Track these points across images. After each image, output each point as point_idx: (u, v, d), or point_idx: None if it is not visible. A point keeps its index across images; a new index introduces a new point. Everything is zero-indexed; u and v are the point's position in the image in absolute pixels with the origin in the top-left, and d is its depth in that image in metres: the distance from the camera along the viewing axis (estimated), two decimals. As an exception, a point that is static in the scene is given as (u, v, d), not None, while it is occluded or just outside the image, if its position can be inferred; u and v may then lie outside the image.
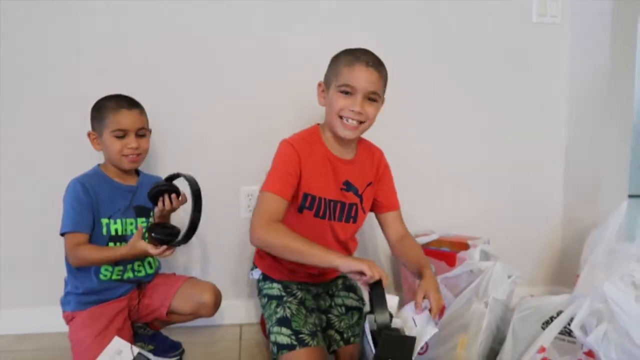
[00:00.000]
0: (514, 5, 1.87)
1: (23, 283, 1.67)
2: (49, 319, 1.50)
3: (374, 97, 1.27)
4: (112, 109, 1.38)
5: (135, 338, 1.43)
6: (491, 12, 1.86)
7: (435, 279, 1.21)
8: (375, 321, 1.04)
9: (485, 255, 1.53)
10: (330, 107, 1.30)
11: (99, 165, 1.46)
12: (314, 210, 1.33)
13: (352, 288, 1.48)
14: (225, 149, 1.73)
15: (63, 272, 1.41)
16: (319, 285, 1.46)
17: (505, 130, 1.92)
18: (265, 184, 1.28)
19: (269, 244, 1.23)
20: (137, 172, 1.51)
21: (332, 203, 1.36)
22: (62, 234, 1.34)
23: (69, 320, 1.38)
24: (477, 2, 1.84)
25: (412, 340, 1.04)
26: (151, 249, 1.30)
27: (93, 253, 1.33)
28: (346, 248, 1.43)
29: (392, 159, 1.78)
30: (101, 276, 1.38)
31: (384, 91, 1.31)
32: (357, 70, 1.24)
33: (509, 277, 1.34)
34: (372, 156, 1.44)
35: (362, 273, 1.10)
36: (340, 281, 1.49)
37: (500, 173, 1.93)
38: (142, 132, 1.43)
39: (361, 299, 1.45)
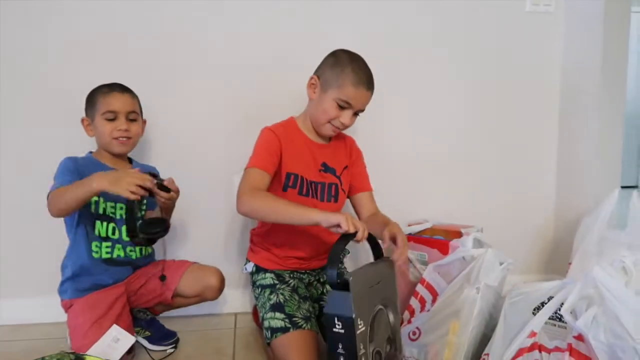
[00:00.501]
0: (508, -6, 1.87)
1: (20, 273, 1.67)
2: (46, 309, 1.50)
3: (360, 112, 1.40)
4: (104, 93, 1.41)
5: (133, 322, 1.44)
6: (485, 1, 1.85)
7: (400, 227, 1.30)
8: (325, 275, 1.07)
9: (479, 243, 1.53)
10: (322, 110, 1.37)
11: (90, 152, 1.46)
12: (297, 189, 1.40)
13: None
14: (217, 140, 1.74)
15: (57, 262, 1.43)
16: (310, 274, 1.48)
17: (498, 119, 1.92)
18: (248, 163, 1.35)
19: (254, 207, 1.26)
20: (130, 161, 1.51)
21: (313, 184, 1.42)
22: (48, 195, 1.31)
23: (67, 308, 1.39)
24: (470, -9, 1.85)
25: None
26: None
27: (62, 190, 1.28)
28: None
29: (385, 148, 1.80)
30: (93, 254, 1.39)
31: None
32: (360, 92, 1.34)
33: (501, 264, 1.35)
34: (344, 142, 1.54)
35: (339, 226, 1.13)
36: (333, 269, 1.50)
37: (493, 162, 1.94)
38: (133, 117, 1.44)
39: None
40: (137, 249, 1.46)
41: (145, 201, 1.39)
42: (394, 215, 1.67)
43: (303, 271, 1.48)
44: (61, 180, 1.31)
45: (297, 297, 1.36)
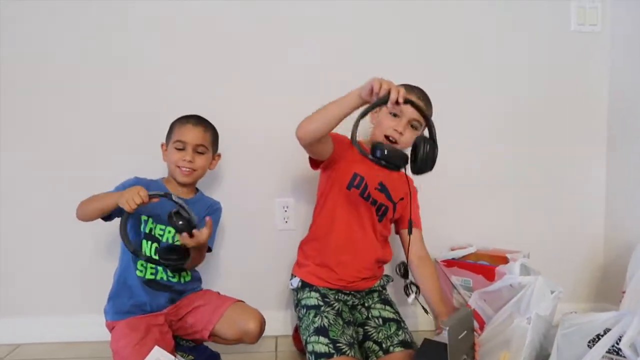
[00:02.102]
0: (551, 13, 1.84)
1: (70, 290, 1.72)
2: (95, 327, 1.53)
3: (415, 125, 1.42)
4: (180, 123, 1.49)
5: (176, 347, 1.45)
6: (528, 20, 1.84)
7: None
8: None
9: (526, 270, 1.49)
10: (379, 125, 1.43)
11: (162, 178, 1.53)
12: (360, 190, 1.44)
13: (387, 302, 1.48)
14: (261, 160, 1.76)
15: (109, 281, 1.46)
16: (355, 295, 1.48)
17: (545, 141, 1.88)
18: None
19: (310, 121, 1.29)
20: (196, 191, 1.56)
21: (371, 195, 1.46)
22: None
23: (110, 329, 1.42)
24: (513, 10, 1.83)
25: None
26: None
27: (94, 196, 1.36)
28: (382, 242, 1.52)
29: (434, 172, 1.75)
30: (137, 272, 1.42)
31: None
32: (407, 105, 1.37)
33: (552, 292, 1.30)
34: (405, 177, 1.44)
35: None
36: (376, 294, 1.50)
37: (538, 185, 1.89)
38: (201, 150, 1.48)
39: (397, 312, 1.44)
40: (178, 275, 1.48)
41: (180, 225, 1.33)
42: (436, 240, 1.68)
43: (348, 292, 1.47)
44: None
45: (341, 322, 1.35)
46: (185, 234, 1.31)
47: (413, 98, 1.25)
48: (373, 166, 1.35)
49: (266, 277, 1.78)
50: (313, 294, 1.44)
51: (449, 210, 1.83)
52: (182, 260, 1.37)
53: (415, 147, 1.26)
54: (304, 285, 1.48)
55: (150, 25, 1.71)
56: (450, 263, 1.67)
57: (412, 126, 1.41)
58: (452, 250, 1.74)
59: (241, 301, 1.48)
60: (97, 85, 1.70)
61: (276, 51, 1.75)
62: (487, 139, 1.86)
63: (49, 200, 1.69)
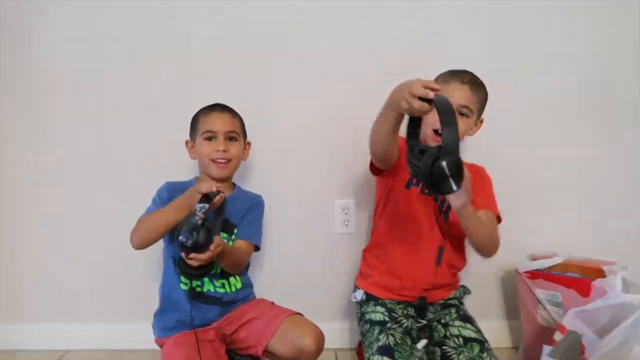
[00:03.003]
0: None
1: (119, 298, 1.64)
2: (143, 334, 1.43)
3: (465, 112, 1.28)
4: (204, 114, 1.37)
5: (230, 362, 1.33)
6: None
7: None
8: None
9: (625, 285, 1.29)
10: (425, 119, 1.21)
11: (196, 177, 1.40)
12: (420, 187, 1.33)
13: (468, 318, 1.31)
14: (321, 160, 1.62)
15: (157, 288, 1.36)
16: (429, 310, 1.34)
17: (629, 140, 1.65)
18: None
19: (372, 133, 1.20)
20: (233, 186, 1.43)
21: None
22: None
23: (159, 345, 1.31)
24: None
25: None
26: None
27: (146, 218, 1.25)
28: (453, 244, 1.36)
29: (509, 174, 1.58)
30: (182, 285, 1.29)
31: (479, 109, 1.32)
32: (451, 85, 1.28)
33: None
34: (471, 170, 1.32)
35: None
36: (453, 310, 1.34)
37: (634, 189, 1.66)
38: (233, 136, 1.36)
39: (479, 331, 1.27)
40: (227, 284, 1.35)
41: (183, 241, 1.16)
42: (512, 246, 1.51)
43: (419, 306, 1.33)
44: (149, 210, 1.29)
45: (409, 342, 1.22)
46: (183, 255, 1.18)
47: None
48: None
49: (325, 285, 1.64)
50: (378, 308, 1.32)
51: (525, 214, 1.63)
52: (201, 273, 1.22)
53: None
54: (369, 298, 1.37)
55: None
56: (534, 275, 1.47)
57: (461, 114, 1.27)
58: (534, 259, 1.53)
59: (298, 313, 1.33)
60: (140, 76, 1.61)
61: (335, 45, 1.60)
62: (575, 141, 1.64)
63: (105, 206, 1.62)
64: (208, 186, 1.17)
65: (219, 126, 1.34)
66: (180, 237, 1.13)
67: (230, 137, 1.35)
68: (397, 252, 1.35)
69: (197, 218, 1.13)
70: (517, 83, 1.61)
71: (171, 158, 1.54)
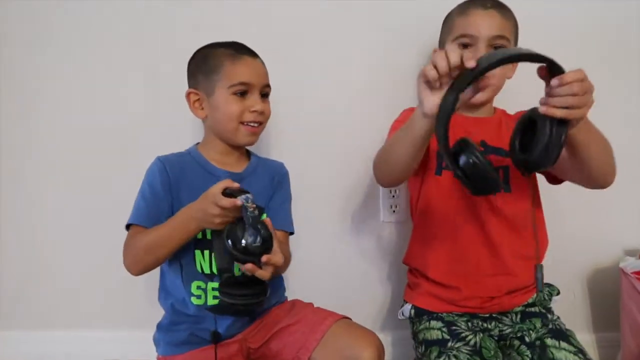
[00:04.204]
0: None
1: (119, 305, 1.39)
2: (141, 344, 1.16)
3: (502, 44, 1.01)
4: (230, 56, 1.00)
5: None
6: None
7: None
8: None
9: None
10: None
11: (196, 144, 1.09)
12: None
13: (561, 333, 0.99)
14: (362, 138, 1.31)
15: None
16: (501, 320, 1.04)
17: None
18: None
19: (380, 153, 0.99)
20: (248, 154, 1.12)
21: None
22: (127, 227, 0.97)
23: None
24: None
25: None
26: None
27: (141, 237, 0.94)
28: (513, 227, 1.04)
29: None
30: (194, 299, 0.99)
31: (515, 38, 1.06)
32: (472, 15, 1.02)
33: None
34: (512, 117, 1.11)
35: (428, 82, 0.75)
36: (538, 322, 1.02)
37: None
38: (267, 91, 1.05)
39: (581, 350, 0.94)
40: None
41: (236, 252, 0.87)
42: (604, 241, 1.27)
43: (488, 315, 1.04)
44: (140, 214, 0.96)
45: None
46: (250, 266, 0.85)
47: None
48: (466, 125, 1.05)
49: (369, 285, 1.36)
50: (434, 323, 1.04)
51: (617, 204, 1.31)
52: (256, 295, 0.89)
53: (528, 127, 0.79)
54: (420, 313, 1.08)
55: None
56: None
57: (496, 48, 1.00)
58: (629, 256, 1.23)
59: (347, 318, 1.02)
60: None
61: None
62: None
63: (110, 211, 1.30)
64: (222, 186, 0.87)
65: (255, 78, 1.01)
66: (245, 240, 0.84)
67: (264, 93, 1.04)
68: (444, 252, 1.06)
69: (251, 209, 0.84)
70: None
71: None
